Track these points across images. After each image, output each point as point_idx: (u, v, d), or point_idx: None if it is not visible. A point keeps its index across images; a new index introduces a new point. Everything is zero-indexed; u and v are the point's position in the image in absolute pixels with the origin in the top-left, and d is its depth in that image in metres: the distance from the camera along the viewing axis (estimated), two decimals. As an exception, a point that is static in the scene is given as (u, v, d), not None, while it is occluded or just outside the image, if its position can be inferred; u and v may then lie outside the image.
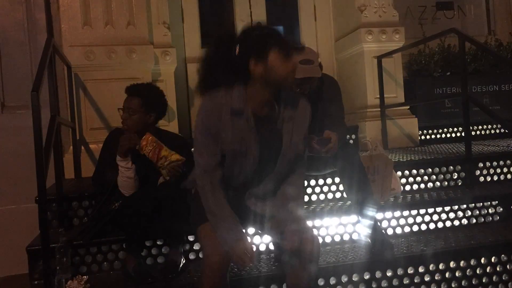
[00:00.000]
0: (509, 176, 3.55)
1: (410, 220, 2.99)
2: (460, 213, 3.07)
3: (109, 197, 2.65)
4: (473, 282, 2.64)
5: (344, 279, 2.50)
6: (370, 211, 2.65)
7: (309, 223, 2.80)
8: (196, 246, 2.69)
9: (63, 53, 3.62)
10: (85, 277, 2.36)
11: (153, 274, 2.42)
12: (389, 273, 2.56)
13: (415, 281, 2.59)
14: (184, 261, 2.55)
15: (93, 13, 3.84)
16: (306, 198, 3.18)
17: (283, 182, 2.11)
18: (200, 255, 2.67)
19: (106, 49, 3.81)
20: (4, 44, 4.25)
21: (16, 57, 4.25)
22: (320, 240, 2.80)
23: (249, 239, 2.26)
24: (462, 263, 2.64)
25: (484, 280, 2.67)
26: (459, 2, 5.96)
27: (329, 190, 3.22)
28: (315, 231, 2.81)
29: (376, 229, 2.65)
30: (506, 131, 4.54)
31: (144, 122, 2.69)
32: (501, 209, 3.08)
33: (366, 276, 2.52)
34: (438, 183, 3.41)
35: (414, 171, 3.38)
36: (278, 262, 2.50)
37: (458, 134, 4.89)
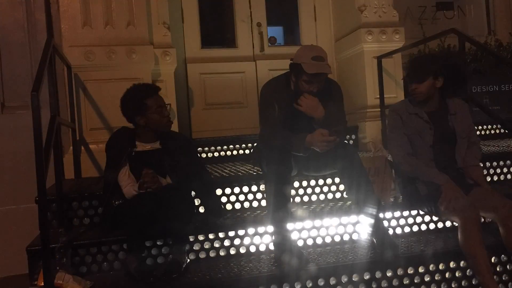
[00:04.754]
0: (509, 176, 3.55)
1: (410, 220, 2.99)
2: (460, 213, 3.07)
3: (110, 196, 2.66)
4: (473, 283, 2.64)
5: (344, 279, 2.50)
6: (371, 210, 2.66)
7: (309, 223, 2.81)
8: (196, 246, 2.69)
9: (63, 53, 3.62)
10: (88, 282, 2.37)
11: (155, 274, 2.42)
12: (389, 273, 2.56)
13: (415, 281, 2.59)
14: (188, 261, 2.56)
15: (93, 13, 3.84)
16: (306, 198, 3.18)
17: None
18: (200, 256, 2.69)
19: (106, 50, 3.81)
20: (4, 44, 4.25)
21: (16, 57, 4.24)
22: (320, 241, 2.82)
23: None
24: (462, 263, 2.64)
25: (484, 280, 2.67)
26: (459, 2, 5.96)
27: (329, 190, 3.22)
28: (315, 232, 2.82)
29: (379, 228, 2.66)
30: (506, 131, 4.54)
31: None
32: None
33: (366, 276, 2.52)
34: (438, 183, 3.41)
35: (414, 171, 3.38)
36: (278, 262, 2.50)
37: (458, 134, 4.88)
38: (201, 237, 2.71)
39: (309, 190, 3.19)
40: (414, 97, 2.86)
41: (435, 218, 3.01)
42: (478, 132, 4.95)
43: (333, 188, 3.22)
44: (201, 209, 2.93)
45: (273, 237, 2.62)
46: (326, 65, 2.78)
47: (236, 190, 3.11)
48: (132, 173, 2.68)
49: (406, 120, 2.87)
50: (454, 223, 2.76)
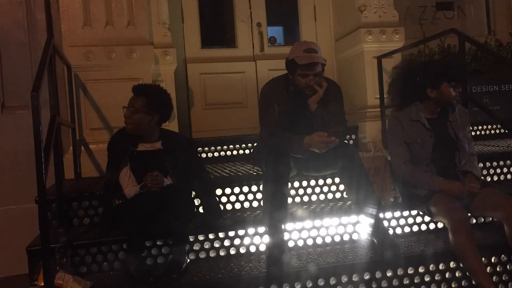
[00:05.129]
0: (509, 176, 3.55)
1: (410, 220, 2.99)
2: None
3: (110, 196, 2.66)
4: (473, 283, 2.64)
5: (344, 279, 2.50)
6: (372, 210, 2.66)
7: (309, 223, 2.81)
8: (196, 246, 2.70)
9: (63, 53, 3.62)
10: (88, 282, 2.37)
11: (155, 274, 2.42)
12: (389, 273, 2.56)
13: (415, 281, 2.59)
14: (188, 261, 2.56)
15: (93, 13, 3.84)
16: (306, 198, 3.18)
17: None
18: (200, 256, 2.69)
19: (106, 49, 3.81)
20: (4, 44, 4.25)
21: (16, 57, 4.24)
22: (320, 240, 2.82)
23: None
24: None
25: (484, 280, 2.67)
26: (459, 2, 5.96)
27: (329, 190, 3.22)
28: (315, 232, 2.82)
29: (379, 228, 2.66)
30: (506, 131, 4.54)
31: (147, 122, 2.71)
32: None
33: (366, 276, 2.52)
34: (438, 183, 3.40)
35: (414, 171, 3.38)
36: (278, 262, 2.50)
37: (458, 134, 4.88)
38: (201, 237, 2.71)
39: (309, 190, 3.19)
40: (455, 99, 2.83)
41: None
42: (478, 132, 4.97)
43: (333, 188, 3.22)
44: (201, 210, 2.93)
45: (269, 238, 2.59)
46: (319, 56, 2.78)
47: (236, 190, 3.11)
48: (133, 173, 2.68)
49: (407, 126, 2.86)
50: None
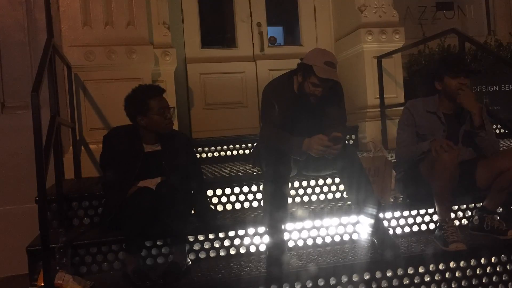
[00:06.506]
0: (509, 176, 3.54)
1: (410, 220, 2.99)
2: (460, 213, 3.08)
3: (110, 195, 2.67)
4: (473, 282, 2.64)
5: (344, 279, 2.49)
6: (371, 210, 2.66)
7: (309, 223, 2.81)
8: (196, 246, 2.70)
9: (63, 53, 3.63)
10: (88, 282, 2.37)
11: (152, 277, 2.37)
12: (389, 273, 2.56)
13: (415, 281, 2.59)
14: (190, 263, 2.54)
15: (93, 13, 3.84)
16: (306, 198, 3.18)
17: None
18: (200, 256, 2.70)
19: (106, 50, 3.82)
20: (4, 44, 4.24)
21: (16, 57, 4.24)
22: (320, 240, 2.82)
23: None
24: (462, 263, 2.64)
25: (484, 280, 2.66)
26: (459, 2, 5.96)
27: (329, 190, 3.22)
28: (315, 232, 2.82)
29: (379, 228, 2.66)
30: (506, 131, 4.54)
31: None
32: (501, 209, 3.08)
33: (366, 276, 2.52)
34: (438, 183, 3.40)
35: (414, 171, 3.38)
36: (278, 262, 2.50)
37: (458, 134, 4.88)
38: (201, 237, 2.71)
39: (309, 190, 3.19)
40: (458, 92, 2.80)
41: (435, 218, 3.01)
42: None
43: (333, 188, 3.22)
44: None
45: (269, 238, 2.59)
46: (336, 72, 2.77)
47: (236, 190, 3.11)
48: (140, 174, 2.68)
49: (419, 119, 2.88)
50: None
